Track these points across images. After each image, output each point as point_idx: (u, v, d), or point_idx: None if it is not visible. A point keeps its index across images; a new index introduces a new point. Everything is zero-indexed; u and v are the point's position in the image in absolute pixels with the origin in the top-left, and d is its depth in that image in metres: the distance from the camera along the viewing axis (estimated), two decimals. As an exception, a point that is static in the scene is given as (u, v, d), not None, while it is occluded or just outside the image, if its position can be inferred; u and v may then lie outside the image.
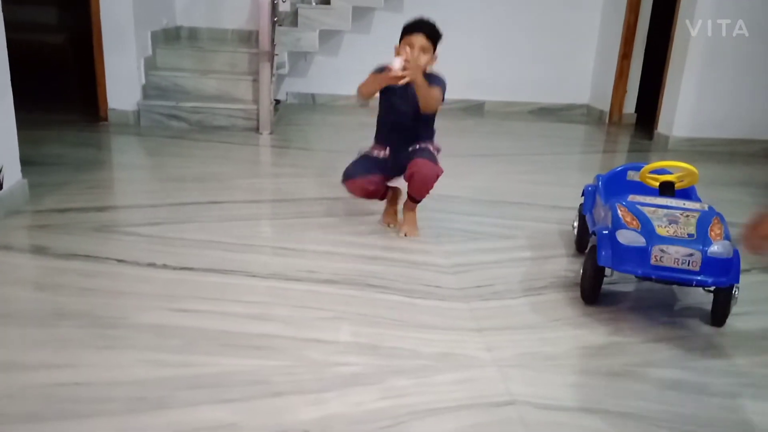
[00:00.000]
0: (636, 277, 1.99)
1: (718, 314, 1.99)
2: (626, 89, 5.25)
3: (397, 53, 2.41)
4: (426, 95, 2.37)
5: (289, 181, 3.37)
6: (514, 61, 5.40)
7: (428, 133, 2.59)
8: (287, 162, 3.85)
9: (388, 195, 2.72)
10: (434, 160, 2.52)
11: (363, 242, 2.56)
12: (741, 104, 4.43)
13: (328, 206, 2.95)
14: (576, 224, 2.57)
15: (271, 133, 4.31)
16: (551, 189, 3.35)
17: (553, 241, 2.66)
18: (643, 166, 2.31)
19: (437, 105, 2.44)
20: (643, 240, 1.94)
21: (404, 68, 2.32)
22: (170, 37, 5.02)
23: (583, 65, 5.61)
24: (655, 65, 4.99)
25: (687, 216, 2.03)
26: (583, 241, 2.46)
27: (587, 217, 2.41)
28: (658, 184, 2.25)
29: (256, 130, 4.32)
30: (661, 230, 1.96)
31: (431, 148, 2.56)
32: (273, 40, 4.30)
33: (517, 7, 5.30)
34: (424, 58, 2.40)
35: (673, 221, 2.01)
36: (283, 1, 4.85)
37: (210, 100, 4.42)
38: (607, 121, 5.32)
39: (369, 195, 2.63)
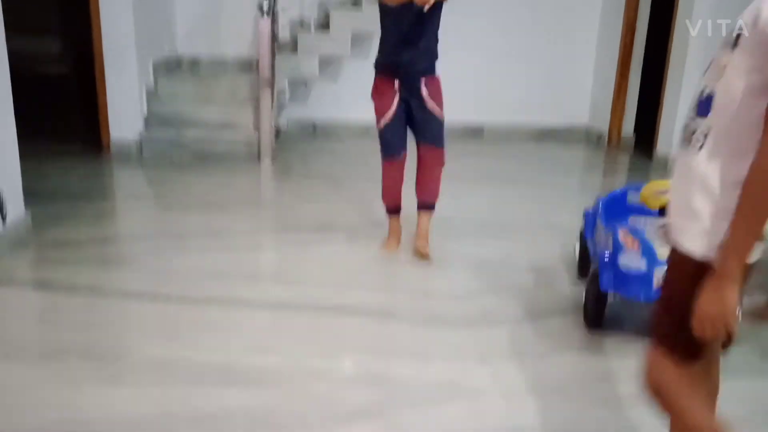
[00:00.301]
0: (639, 302, 1.97)
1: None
2: (625, 109, 5.28)
3: None
4: None
5: (291, 208, 3.38)
6: (512, 83, 5.43)
7: (433, 47, 2.57)
8: (289, 190, 3.86)
9: (393, 227, 2.76)
10: (441, 138, 2.63)
11: (367, 269, 2.56)
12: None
13: (331, 234, 2.95)
14: (577, 248, 2.55)
15: (272, 161, 4.32)
16: (553, 212, 3.35)
17: (556, 266, 2.65)
18: (641, 187, 2.28)
19: None
20: (645, 264, 1.94)
21: None
22: (172, 65, 5.07)
23: (581, 86, 5.64)
24: (653, 85, 5.02)
25: None
26: (585, 265, 2.44)
27: (588, 241, 2.40)
28: (658, 205, 2.22)
29: (258, 158, 4.34)
30: (663, 253, 1.95)
31: (438, 112, 2.59)
32: (273, 68, 4.35)
33: (514, 30, 5.35)
34: None
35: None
36: (283, 28, 4.91)
37: (211, 128, 4.45)
38: (606, 142, 5.34)
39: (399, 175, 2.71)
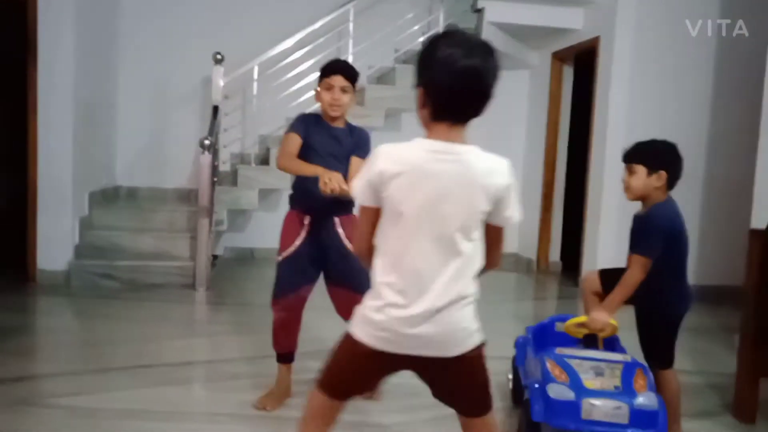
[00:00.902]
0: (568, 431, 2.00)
1: None
2: (550, 238, 5.59)
3: (318, 96, 2.34)
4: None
5: (226, 339, 3.31)
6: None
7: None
8: (224, 319, 3.79)
9: (280, 378, 2.47)
10: (364, 283, 2.19)
11: (303, 402, 2.49)
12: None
13: (266, 365, 2.88)
14: (510, 376, 2.60)
15: (207, 290, 4.27)
16: (489, 340, 3.40)
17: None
18: (568, 318, 2.38)
19: None
20: (573, 394, 1.99)
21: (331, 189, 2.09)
22: (108, 196, 5.08)
23: (509, 217, 5.97)
24: (575, 216, 5.37)
25: (612, 368, 2.08)
26: (519, 392, 2.47)
27: (520, 369, 2.44)
28: (581, 335, 2.31)
29: (192, 286, 4.28)
30: (589, 383, 2.01)
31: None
32: (212, 199, 4.42)
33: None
34: (345, 98, 2.31)
35: (599, 373, 2.06)
36: (224, 162, 5.06)
37: (146, 258, 4.40)
38: (535, 268, 5.58)
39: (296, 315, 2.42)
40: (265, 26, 5.20)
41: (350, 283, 2.34)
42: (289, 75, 4.97)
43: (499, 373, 2.80)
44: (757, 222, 3.15)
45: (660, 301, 2.16)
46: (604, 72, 4.68)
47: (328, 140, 2.36)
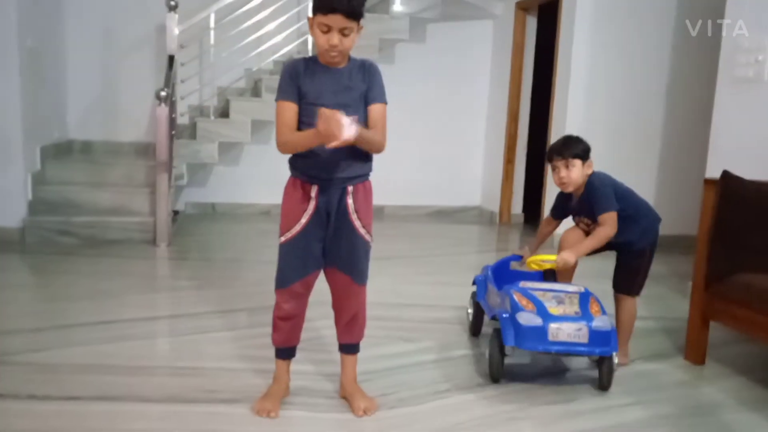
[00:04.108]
0: (536, 352, 2.25)
1: (604, 380, 2.28)
2: (513, 191, 5.65)
3: (312, 31, 1.86)
4: (370, 142, 1.87)
5: (187, 294, 3.28)
6: (410, 167, 5.69)
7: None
8: (185, 274, 3.75)
9: (279, 376, 2.12)
10: (364, 273, 2.04)
11: (265, 355, 2.49)
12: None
13: (229, 319, 2.88)
14: (470, 311, 2.82)
15: (168, 245, 4.21)
16: (450, 289, 3.47)
17: (457, 341, 2.72)
18: (520, 258, 2.72)
19: (383, 141, 1.94)
20: (540, 320, 2.21)
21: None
22: (61, 150, 4.90)
23: (473, 170, 6.02)
24: (537, 168, 5.43)
25: (570, 297, 2.34)
26: (478, 324, 2.78)
27: (482, 304, 2.66)
28: (543, 269, 2.57)
29: (153, 242, 4.21)
30: (553, 310, 2.25)
31: (366, 236, 2.01)
32: (171, 152, 4.31)
33: (410, 116, 5.67)
34: (347, 41, 1.83)
35: (560, 302, 2.32)
36: (182, 115, 4.92)
37: (104, 213, 4.29)
38: (498, 221, 5.66)
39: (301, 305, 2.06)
40: (221, -29, 4.99)
41: (348, 269, 2.00)
42: (248, 23, 4.81)
43: (465, 321, 2.88)
44: (712, 171, 3.23)
45: (632, 241, 2.47)
46: (567, 22, 4.66)
47: (333, 87, 1.88)
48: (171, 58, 4.49)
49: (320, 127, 1.71)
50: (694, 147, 4.54)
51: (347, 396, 2.12)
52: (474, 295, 2.77)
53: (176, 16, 4.48)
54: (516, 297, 2.30)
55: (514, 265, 2.78)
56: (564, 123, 4.66)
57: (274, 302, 2.05)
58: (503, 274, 2.71)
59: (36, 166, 4.36)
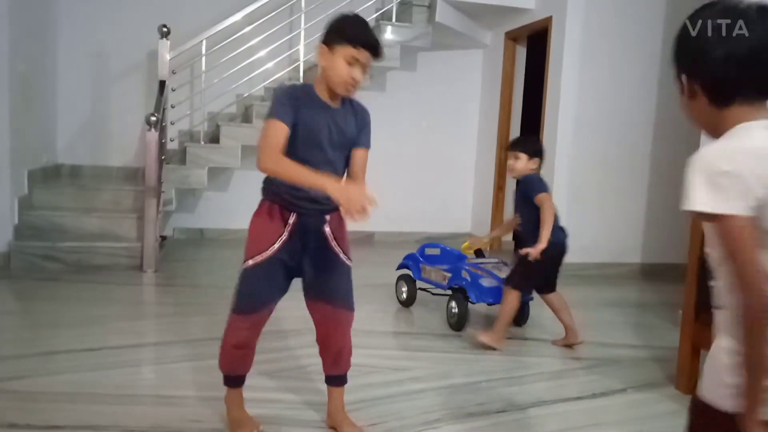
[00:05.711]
0: (488, 304, 3.21)
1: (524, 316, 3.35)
2: (503, 218, 5.66)
3: (325, 59, 1.82)
4: None
5: (173, 321, 3.23)
6: (401, 193, 5.70)
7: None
8: (172, 301, 3.70)
9: (232, 402, 2.07)
10: (352, 297, 2.01)
11: (252, 384, 2.45)
12: (606, 231, 4.86)
13: (215, 347, 2.82)
14: (405, 289, 3.63)
15: (155, 271, 4.16)
16: (441, 318, 3.44)
17: (447, 370, 2.69)
18: (435, 246, 3.70)
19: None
20: (496, 282, 3.16)
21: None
22: (49, 175, 4.87)
23: (463, 197, 6.04)
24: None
25: (499, 266, 3.31)
26: (412, 297, 3.64)
27: (424, 280, 3.53)
28: (472, 251, 3.46)
29: (140, 268, 4.16)
30: (499, 274, 3.21)
31: (347, 261, 1.98)
32: (160, 178, 4.29)
33: (401, 143, 5.70)
34: (364, 79, 1.84)
35: (497, 269, 3.26)
36: (171, 140, 4.91)
37: (91, 238, 4.24)
38: (488, 247, 5.65)
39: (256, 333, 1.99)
40: (213, -1, 5.05)
41: (333, 297, 1.95)
42: (239, 50, 4.84)
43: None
44: (700, 200, 3.25)
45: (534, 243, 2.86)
46: (556, 52, 4.73)
47: (328, 126, 1.83)
48: (162, 84, 4.49)
49: (352, 207, 1.55)
50: (682, 176, 4.58)
51: (335, 425, 2.08)
52: (405, 276, 3.62)
53: (168, 42, 4.50)
54: (472, 270, 3.23)
55: (430, 251, 3.65)
56: (554, 151, 4.69)
57: (226, 328, 1.96)
58: (427, 258, 3.61)
59: (23, 191, 4.33)
